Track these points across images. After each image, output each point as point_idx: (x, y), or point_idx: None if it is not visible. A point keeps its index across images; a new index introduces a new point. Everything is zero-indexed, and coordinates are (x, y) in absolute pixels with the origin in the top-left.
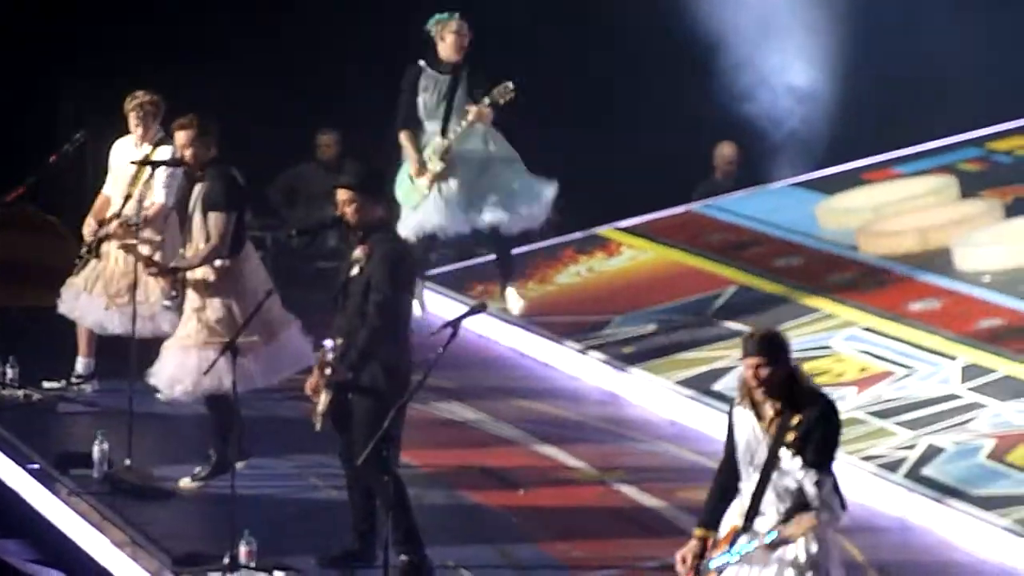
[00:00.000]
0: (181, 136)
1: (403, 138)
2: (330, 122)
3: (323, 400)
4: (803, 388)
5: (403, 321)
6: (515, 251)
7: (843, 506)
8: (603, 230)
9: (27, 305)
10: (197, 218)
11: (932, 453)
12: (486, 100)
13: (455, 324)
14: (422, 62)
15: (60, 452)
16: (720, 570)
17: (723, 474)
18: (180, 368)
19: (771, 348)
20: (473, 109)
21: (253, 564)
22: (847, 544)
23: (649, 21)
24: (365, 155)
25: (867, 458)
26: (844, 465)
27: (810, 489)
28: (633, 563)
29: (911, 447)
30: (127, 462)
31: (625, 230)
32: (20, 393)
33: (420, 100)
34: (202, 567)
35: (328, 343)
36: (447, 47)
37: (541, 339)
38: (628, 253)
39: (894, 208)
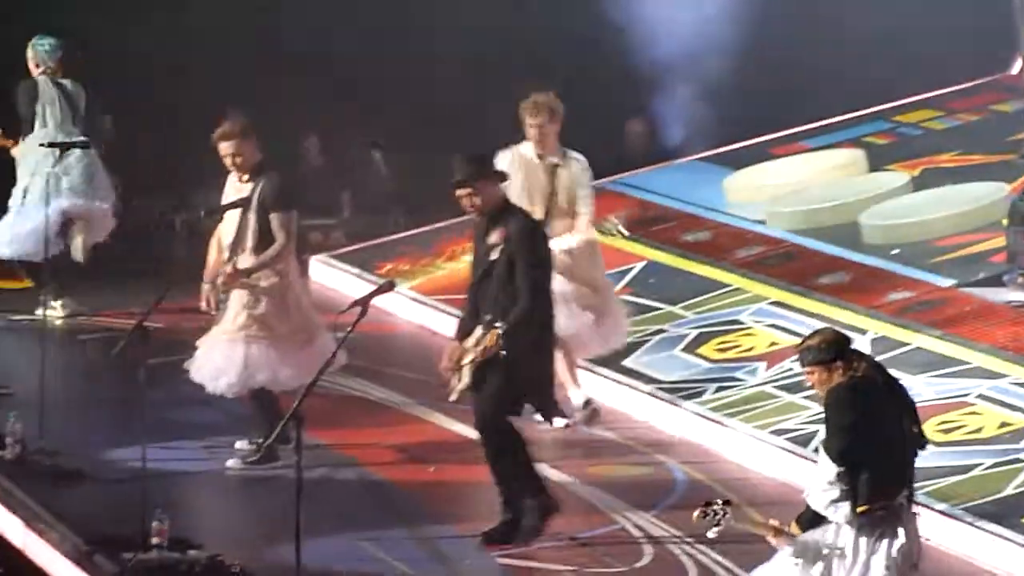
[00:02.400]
0: (225, 147)
1: None
2: None
3: (467, 374)
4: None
5: (548, 294)
6: (424, 229)
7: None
8: None
9: None
10: (251, 219)
11: None
12: None
13: (364, 302)
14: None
15: None
16: None
17: None
18: (227, 361)
19: (817, 360)
20: None
21: (165, 543)
22: (763, 519)
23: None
24: None
25: (777, 432)
26: (754, 440)
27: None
28: (544, 538)
29: (821, 421)
30: (40, 442)
31: None
32: None
33: None
34: (115, 547)
35: (498, 324)
36: None
37: (450, 317)
38: None
39: (802, 182)
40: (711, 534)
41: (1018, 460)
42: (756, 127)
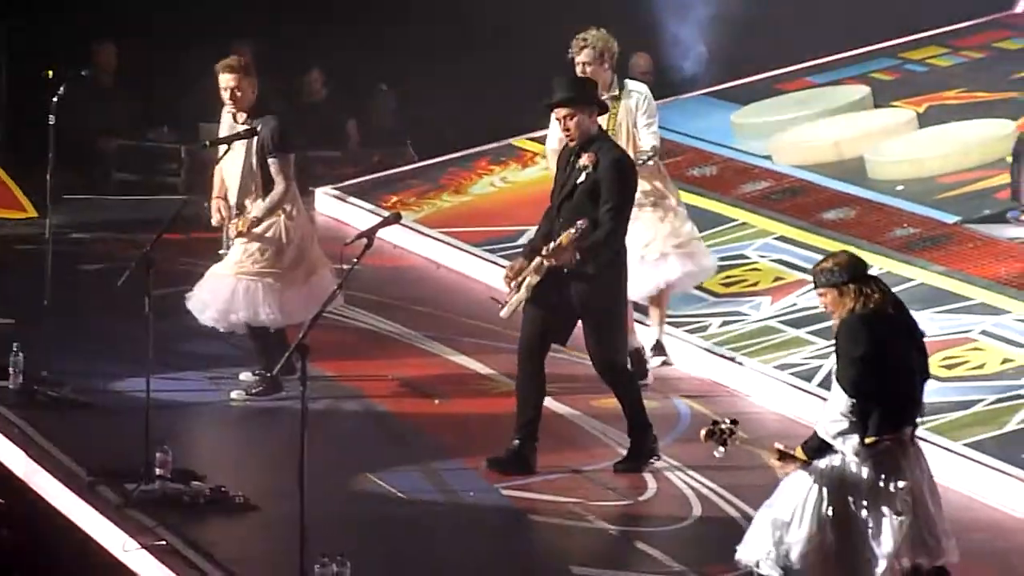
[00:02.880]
0: (226, 79)
1: None
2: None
3: (526, 287)
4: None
5: (626, 226)
6: (431, 161)
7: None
8: (517, 140)
9: None
10: (252, 163)
11: None
12: None
13: (370, 234)
14: None
15: None
16: None
17: None
18: (212, 294)
19: (830, 282)
20: None
21: (169, 474)
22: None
23: None
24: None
25: (782, 367)
26: (758, 374)
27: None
28: (549, 471)
29: (826, 356)
30: (44, 373)
31: (538, 140)
32: None
33: None
34: (119, 479)
35: (572, 228)
36: None
37: (456, 250)
38: (542, 163)
39: (808, 118)
40: (717, 453)
41: (1020, 396)
42: (763, 62)
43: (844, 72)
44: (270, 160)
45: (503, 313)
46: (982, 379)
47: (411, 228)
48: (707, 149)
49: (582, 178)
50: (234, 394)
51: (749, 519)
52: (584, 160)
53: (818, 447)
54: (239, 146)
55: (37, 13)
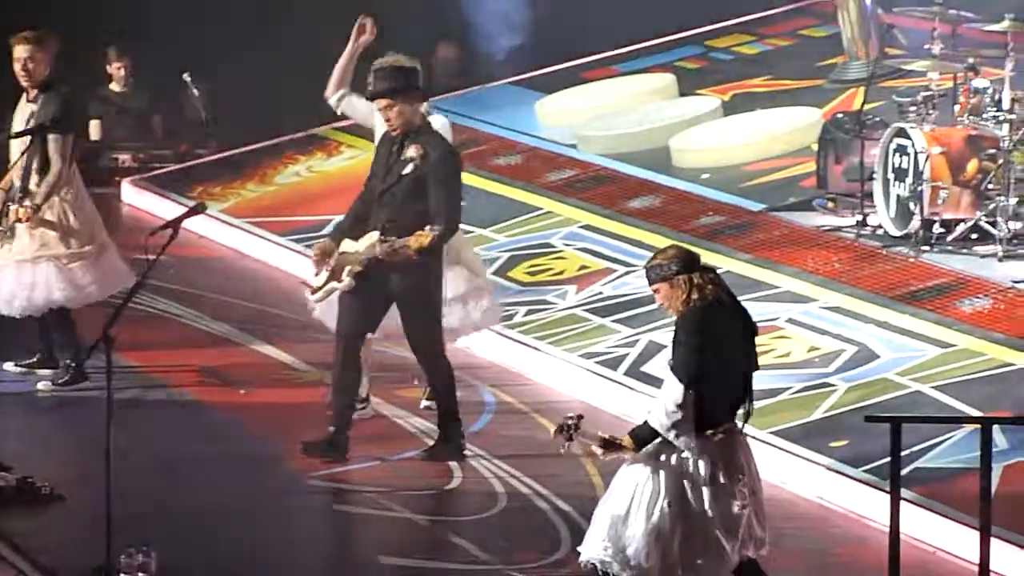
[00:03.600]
0: (20, 50)
1: None
2: None
3: (348, 274)
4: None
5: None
6: (236, 151)
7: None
8: (322, 130)
9: None
10: (35, 140)
11: (653, 350)
12: None
13: (175, 224)
14: None
15: None
16: None
17: None
18: (16, 283)
19: (662, 276)
20: None
21: None
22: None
23: None
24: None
25: (587, 355)
26: (563, 363)
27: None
28: (355, 462)
29: (632, 344)
30: None
31: (344, 130)
32: None
33: None
34: None
35: (434, 228)
36: None
37: (261, 240)
38: (348, 153)
39: (614, 106)
40: (563, 449)
41: (826, 384)
42: (567, 51)
43: (650, 61)
44: (50, 138)
45: (315, 298)
46: (789, 367)
47: (216, 218)
48: (512, 138)
49: (408, 169)
50: (40, 385)
51: (554, 508)
52: (411, 152)
53: (648, 436)
54: (20, 125)
55: None
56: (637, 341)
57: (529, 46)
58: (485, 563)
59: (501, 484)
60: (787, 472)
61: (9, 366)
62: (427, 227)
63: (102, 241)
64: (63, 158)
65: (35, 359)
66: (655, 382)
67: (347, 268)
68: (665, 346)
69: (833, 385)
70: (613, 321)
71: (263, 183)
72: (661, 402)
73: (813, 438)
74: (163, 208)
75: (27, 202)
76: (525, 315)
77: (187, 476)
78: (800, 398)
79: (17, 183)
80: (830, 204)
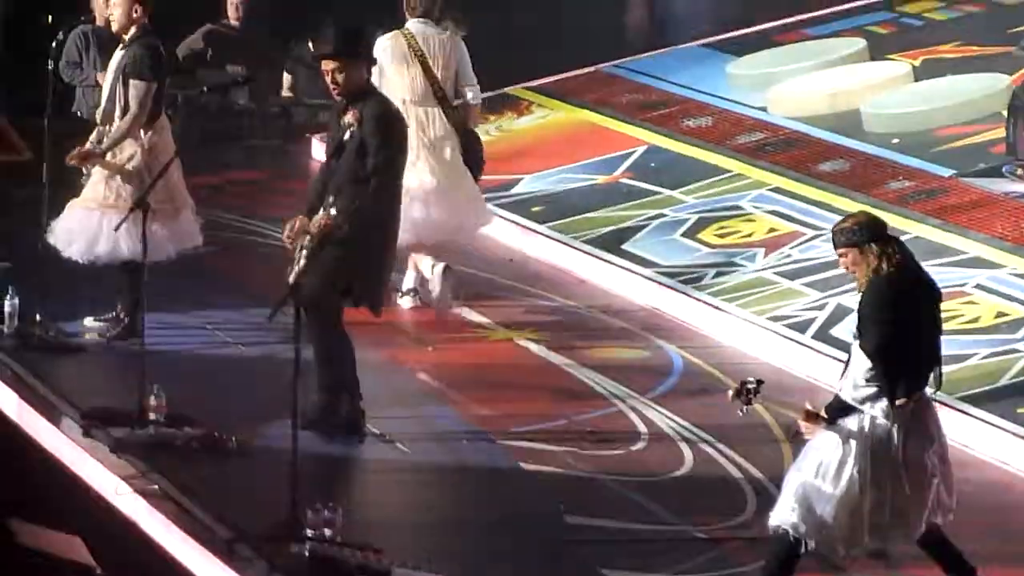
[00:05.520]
0: None
1: None
2: None
3: (303, 258)
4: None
5: (399, 180)
6: None
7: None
8: (513, 89)
9: None
10: (117, 86)
11: (841, 313)
12: None
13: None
14: None
15: None
16: None
17: None
18: (80, 227)
19: (850, 242)
20: None
21: (162, 418)
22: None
23: None
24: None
25: (775, 318)
26: (751, 325)
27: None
28: (542, 421)
29: (820, 308)
30: (37, 317)
31: (534, 89)
32: None
33: None
34: (111, 421)
35: (333, 208)
36: None
37: None
38: (538, 112)
39: (804, 70)
40: (741, 412)
41: (1014, 350)
42: (760, 14)
43: (840, 25)
44: (130, 84)
45: (290, 280)
46: (976, 332)
47: None
48: (702, 100)
49: (347, 136)
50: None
51: (740, 469)
52: (349, 117)
53: (841, 408)
54: (114, 67)
55: None
56: (825, 304)
57: (721, 8)
58: (670, 523)
59: (688, 446)
60: (973, 437)
61: (89, 320)
62: (331, 209)
63: (180, 199)
64: (140, 105)
65: (112, 314)
66: (843, 346)
67: (301, 251)
68: (853, 310)
69: (1020, 351)
70: (802, 284)
71: None
72: (850, 376)
73: (999, 403)
74: None
75: (99, 147)
76: (713, 277)
77: (374, 434)
78: (987, 364)
79: (102, 128)
80: (1019, 171)
